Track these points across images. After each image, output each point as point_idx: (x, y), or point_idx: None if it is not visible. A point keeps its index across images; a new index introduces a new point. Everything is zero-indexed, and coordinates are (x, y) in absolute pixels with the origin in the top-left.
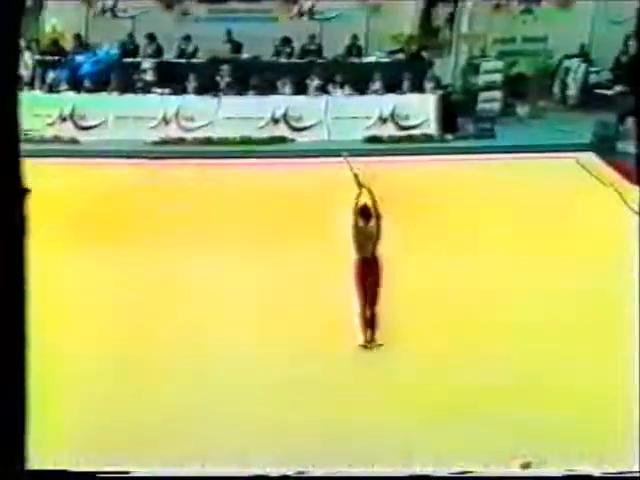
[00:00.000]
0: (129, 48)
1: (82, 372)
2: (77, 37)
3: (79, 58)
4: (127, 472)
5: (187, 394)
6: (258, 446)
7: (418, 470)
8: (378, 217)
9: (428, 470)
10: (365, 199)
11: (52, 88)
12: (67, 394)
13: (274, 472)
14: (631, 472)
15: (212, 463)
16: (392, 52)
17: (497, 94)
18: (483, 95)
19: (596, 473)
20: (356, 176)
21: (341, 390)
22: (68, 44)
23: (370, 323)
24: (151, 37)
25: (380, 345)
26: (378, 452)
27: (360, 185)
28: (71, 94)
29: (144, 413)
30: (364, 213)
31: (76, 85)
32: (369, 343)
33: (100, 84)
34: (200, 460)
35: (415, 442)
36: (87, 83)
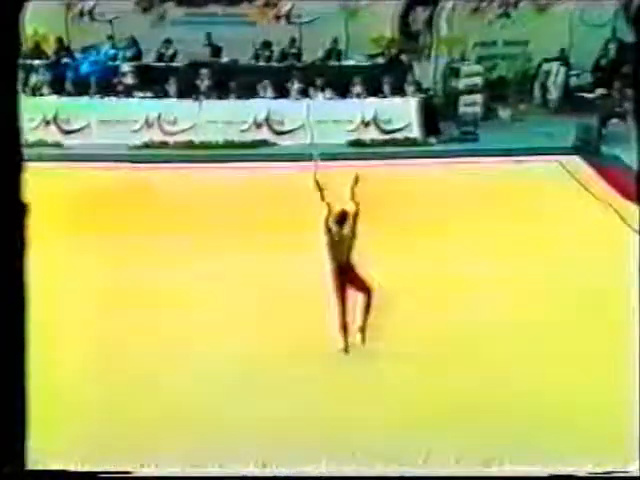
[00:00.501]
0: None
1: (81, 373)
2: (59, 40)
3: (79, 58)
4: (127, 472)
5: (176, 396)
6: (245, 447)
7: (406, 471)
8: (354, 222)
9: (416, 471)
10: (340, 205)
11: (35, 92)
12: (66, 395)
13: (260, 472)
14: (631, 472)
15: (201, 463)
16: (372, 56)
17: (478, 98)
18: (464, 99)
19: (594, 473)
20: (317, 182)
21: (323, 393)
22: (50, 47)
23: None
24: (131, 40)
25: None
26: (361, 453)
27: (321, 190)
28: (54, 98)
29: (140, 413)
30: (339, 218)
31: (59, 89)
32: (350, 347)
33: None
34: (191, 460)
35: (400, 443)
36: (86, 83)
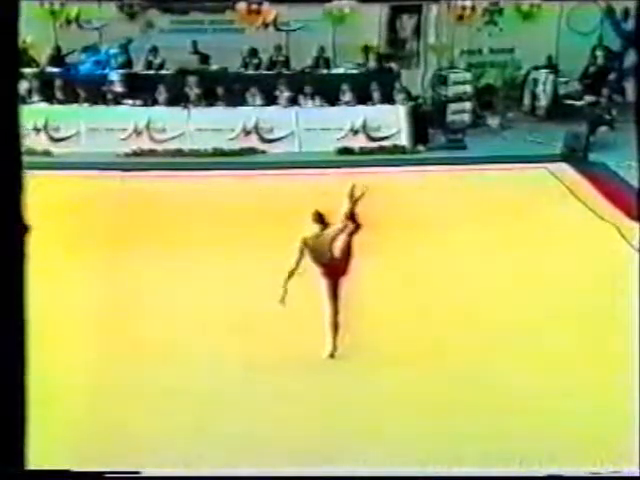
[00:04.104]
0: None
1: (81, 374)
2: (56, 49)
3: (80, 58)
4: (128, 472)
5: (171, 398)
6: (237, 448)
7: (403, 471)
8: (350, 237)
9: (412, 472)
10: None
11: (24, 100)
12: (66, 396)
13: (253, 473)
14: (631, 472)
15: (194, 464)
16: (360, 64)
17: (467, 105)
18: (453, 106)
19: (594, 473)
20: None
21: (310, 399)
22: (38, 55)
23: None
24: (121, 48)
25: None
26: (344, 455)
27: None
28: (43, 105)
29: (137, 415)
30: (320, 221)
31: (48, 96)
32: (336, 352)
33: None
34: (185, 461)
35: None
36: (86, 83)
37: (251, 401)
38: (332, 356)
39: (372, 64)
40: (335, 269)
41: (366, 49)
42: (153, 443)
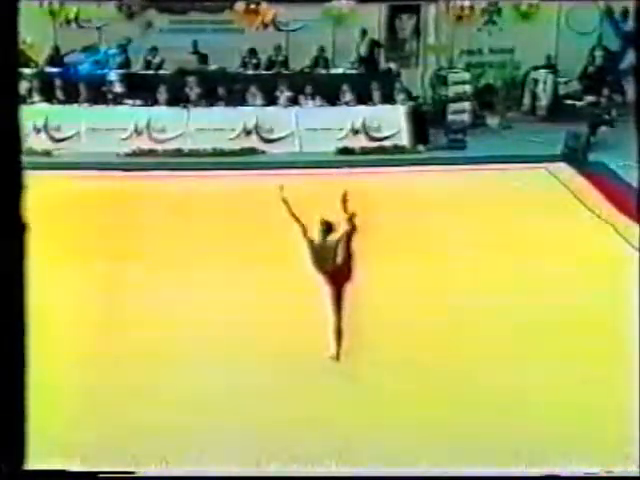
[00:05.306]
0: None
1: (80, 374)
2: (55, 49)
3: (79, 58)
4: (127, 472)
5: (171, 399)
6: (237, 448)
7: (404, 471)
8: (349, 239)
9: (414, 471)
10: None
11: (25, 100)
12: (65, 396)
13: (252, 473)
14: (631, 472)
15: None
16: (360, 63)
17: (466, 105)
18: (453, 106)
19: (594, 473)
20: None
21: (313, 400)
22: (38, 55)
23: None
24: (120, 48)
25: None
26: (347, 455)
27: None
28: (43, 105)
29: (137, 416)
30: (324, 228)
31: (48, 96)
32: (340, 355)
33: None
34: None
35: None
36: (86, 83)
37: (252, 403)
38: (336, 361)
39: (364, 49)
40: (338, 276)
41: (363, 32)
42: (152, 443)
